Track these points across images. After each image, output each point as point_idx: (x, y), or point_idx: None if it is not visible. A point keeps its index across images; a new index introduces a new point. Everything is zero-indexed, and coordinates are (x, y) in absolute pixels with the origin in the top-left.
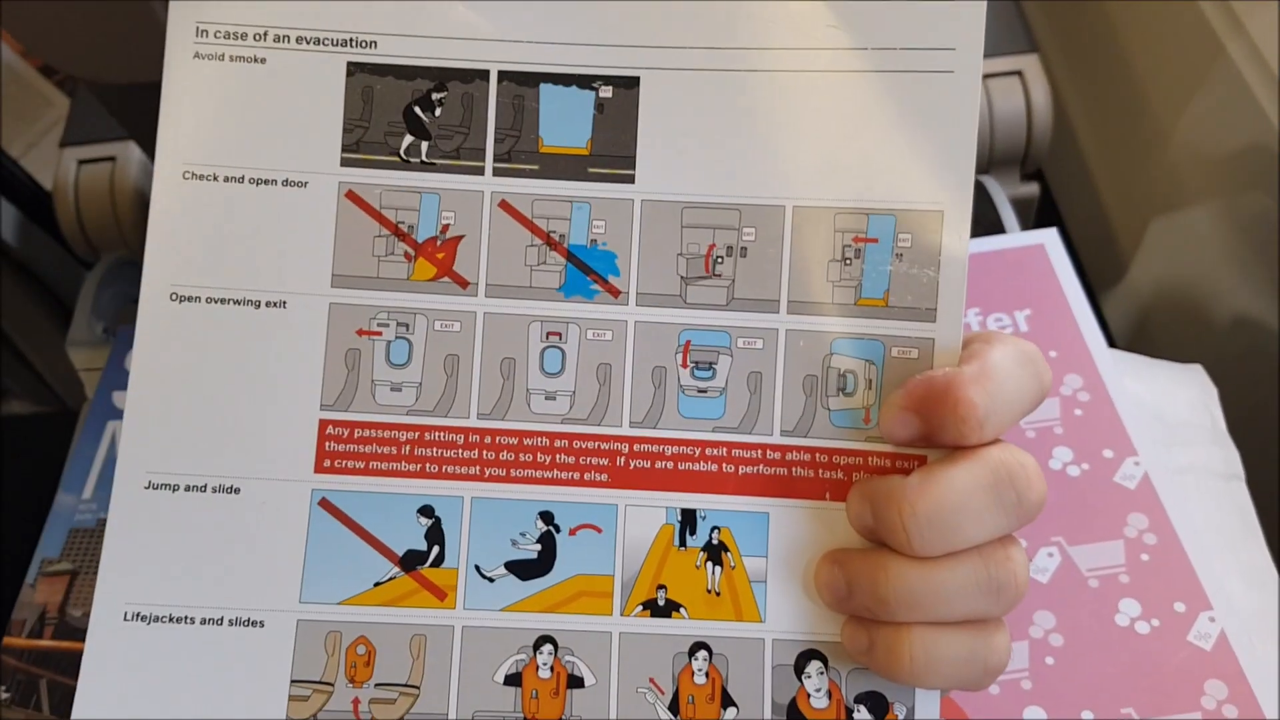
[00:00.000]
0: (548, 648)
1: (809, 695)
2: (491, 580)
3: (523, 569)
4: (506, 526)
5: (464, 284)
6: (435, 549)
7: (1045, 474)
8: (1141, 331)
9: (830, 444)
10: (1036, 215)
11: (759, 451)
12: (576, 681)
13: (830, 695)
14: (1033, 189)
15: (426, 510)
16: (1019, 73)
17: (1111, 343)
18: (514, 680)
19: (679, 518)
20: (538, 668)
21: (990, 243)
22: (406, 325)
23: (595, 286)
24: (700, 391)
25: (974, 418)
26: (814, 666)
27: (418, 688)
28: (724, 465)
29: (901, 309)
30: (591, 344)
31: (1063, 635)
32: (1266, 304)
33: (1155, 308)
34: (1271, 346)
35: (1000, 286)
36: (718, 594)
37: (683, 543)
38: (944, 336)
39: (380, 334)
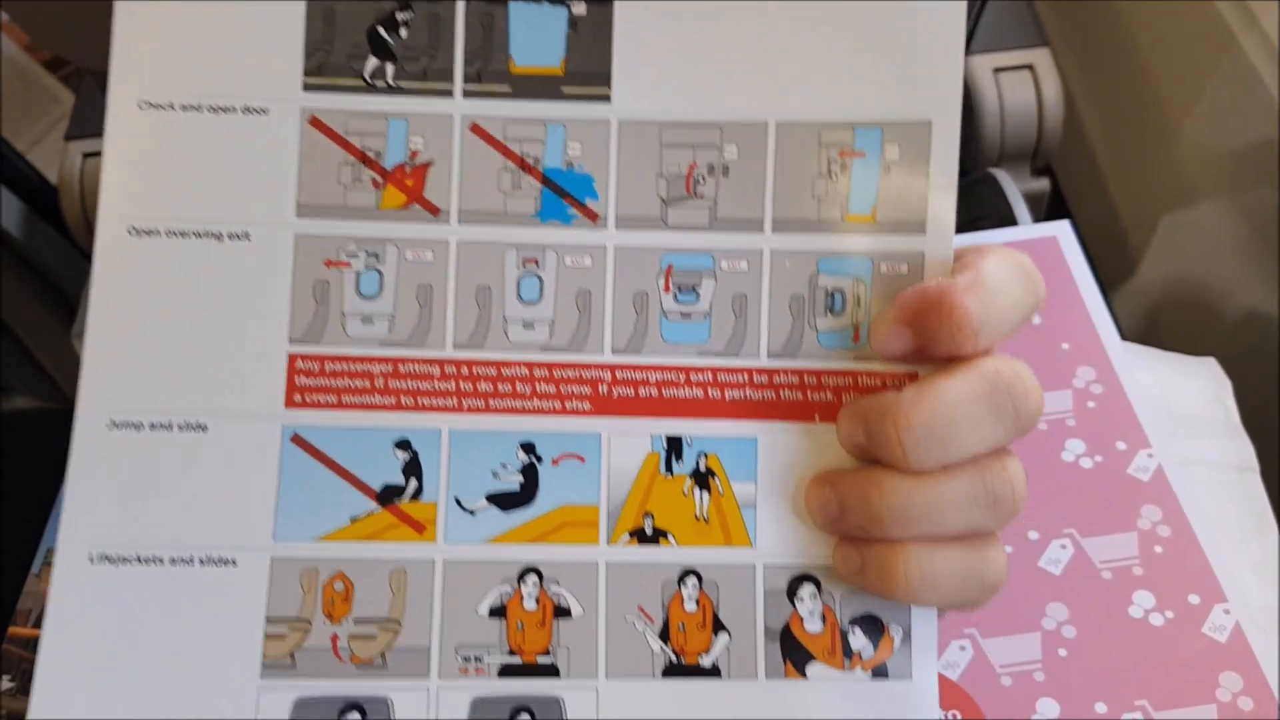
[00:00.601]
0: (532, 579)
1: (802, 619)
2: (473, 513)
3: (505, 501)
4: (487, 458)
5: (435, 211)
6: (413, 483)
7: (1058, 467)
8: (1151, 327)
9: (819, 365)
10: (1046, 211)
11: (745, 375)
12: (563, 612)
13: (824, 619)
14: (1043, 184)
15: (403, 444)
16: (1030, 66)
17: (1121, 338)
18: (499, 612)
19: (664, 445)
20: (523, 599)
21: (1002, 235)
22: (376, 255)
23: (572, 211)
24: (684, 316)
25: (969, 326)
26: (807, 590)
27: (399, 622)
28: (710, 390)
29: (890, 223)
30: (570, 270)
31: (1076, 627)
32: (1276, 300)
33: (1165, 303)
34: None
35: None
36: (706, 520)
37: (669, 470)
38: (934, 250)
39: (349, 265)
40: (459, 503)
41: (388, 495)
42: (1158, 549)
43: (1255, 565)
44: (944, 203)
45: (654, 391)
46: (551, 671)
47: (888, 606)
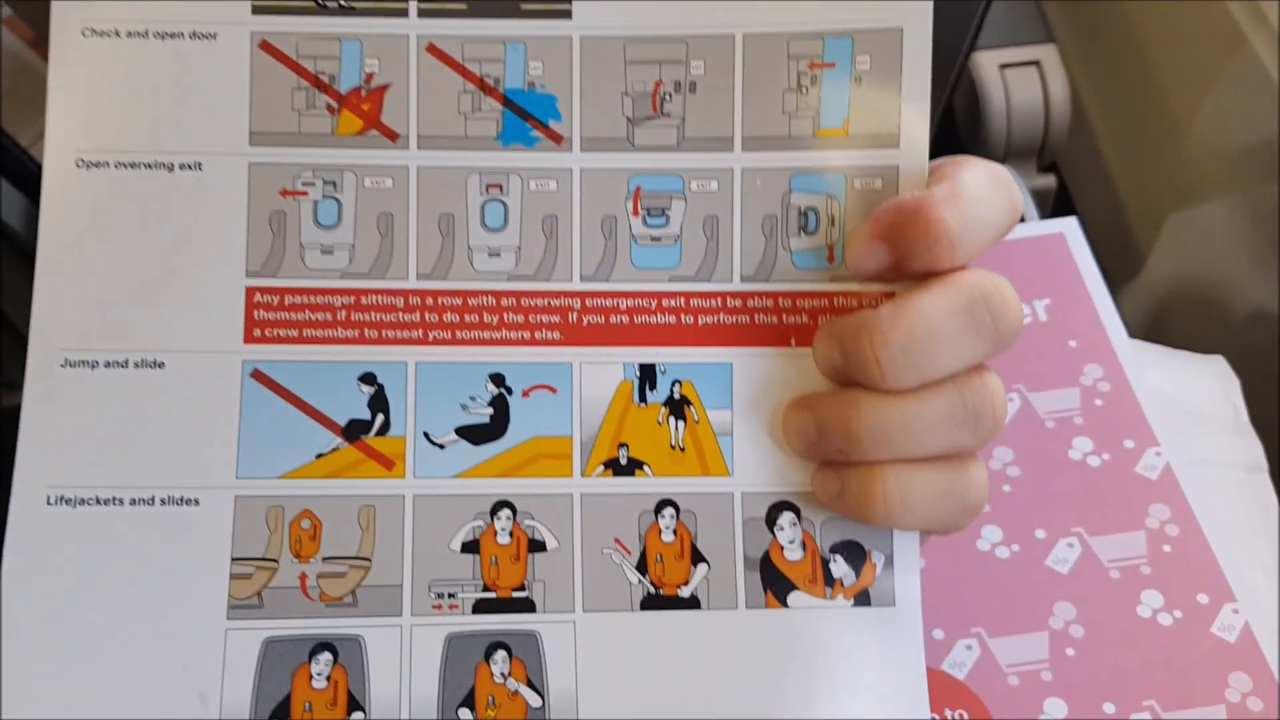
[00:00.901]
0: (505, 512)
1: (782, 548)
2: (442, 447)
3: (475, 434)
4: (455, 391)
5: (393, 136)
6: (380, 417)
7: (1065, 465)
8: (1158, 325)
9: (793, 287)
10: (1052, 208)
11: (718, 300)
12: (538, 546)
13: (805, 546)
14: (1049, 181)
15: (368, 378)
16: (1036, 63)
17: (1128, 335)
18: (471, 547)
19: (637, 373)
20: (496, 533)
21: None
22: (334, 183)
23: (536, 133)
24: (653, 240)
25: (946, 238)
26: (786, 518)
27: (369, 559)
28: (682, 316)
29: (863, 136)
30: (535, 195)
31: (1084, 627)
32: None
33: (1171, 302)
34: None
35: (1019, 275)
36: (682, 449)
37: (643, 399)
38: (909, 162)
39: (306, 194)
40: (428, 437)
41: (354, 430)
42: (1166, 548)
43: (1264, 565)
44: (917, 114)
45: (625, 319)
46: (527, 606)
47: (869, 532)
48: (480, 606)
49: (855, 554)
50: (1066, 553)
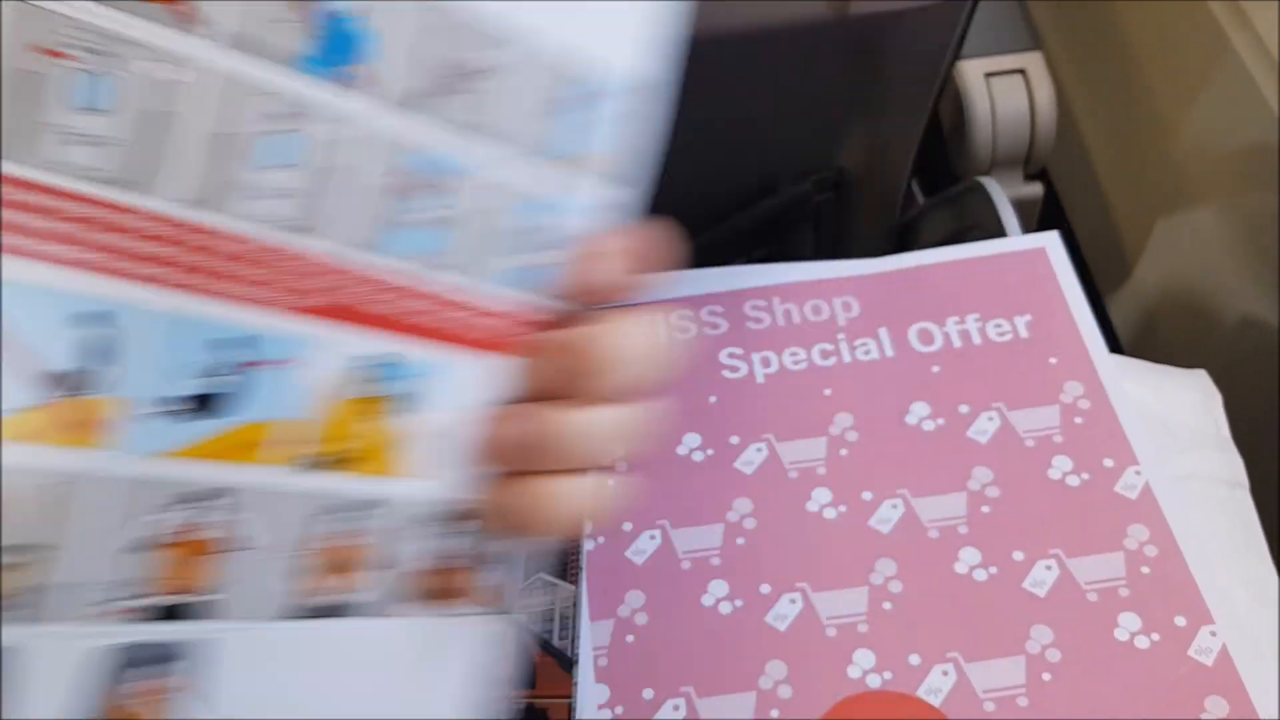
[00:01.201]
0: (197, 503)
1: (446, 557)
2: (146, 419)
3: (188, 409)
4: (170, 354)
5: (192, 20)
6: (82, 372)
7: (1044, 485)
8: (1147, 333)
9: (518, 298)
10: (1040, 216)
11: (448, 300)
12: (228, 542)
13: (453, 557)
14: (1036, 189)
15: (81, 319)
16: (1022, 71)
17: (1116, 345)
18: (155, 541)
19: (356, 363)
20: (185, 526)
21: (990, 246)
22: (112, 55)
23: (345, 69)
24: (412, 222)
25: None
26: (446, 527)
27: (50, 548)
28: (415, 311)
29: (590, 171)
30: (327, 142)
31: (1060, 651)
32: (1273, 306)
33: (1161, 309)
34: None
35: (1000, 291)
36: (380, 449)
37: (352, 393)
38: (624, 199)
39: (73, 58)
40: (134, 405)
41: (47, 385)
42: (1144, 569)
43: (1245, 581)
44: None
45: (364, 303)
46: (206, 613)
47: (510, 544)
48: (150, 613)
49: (502, 566)
50: (1044, 575)
